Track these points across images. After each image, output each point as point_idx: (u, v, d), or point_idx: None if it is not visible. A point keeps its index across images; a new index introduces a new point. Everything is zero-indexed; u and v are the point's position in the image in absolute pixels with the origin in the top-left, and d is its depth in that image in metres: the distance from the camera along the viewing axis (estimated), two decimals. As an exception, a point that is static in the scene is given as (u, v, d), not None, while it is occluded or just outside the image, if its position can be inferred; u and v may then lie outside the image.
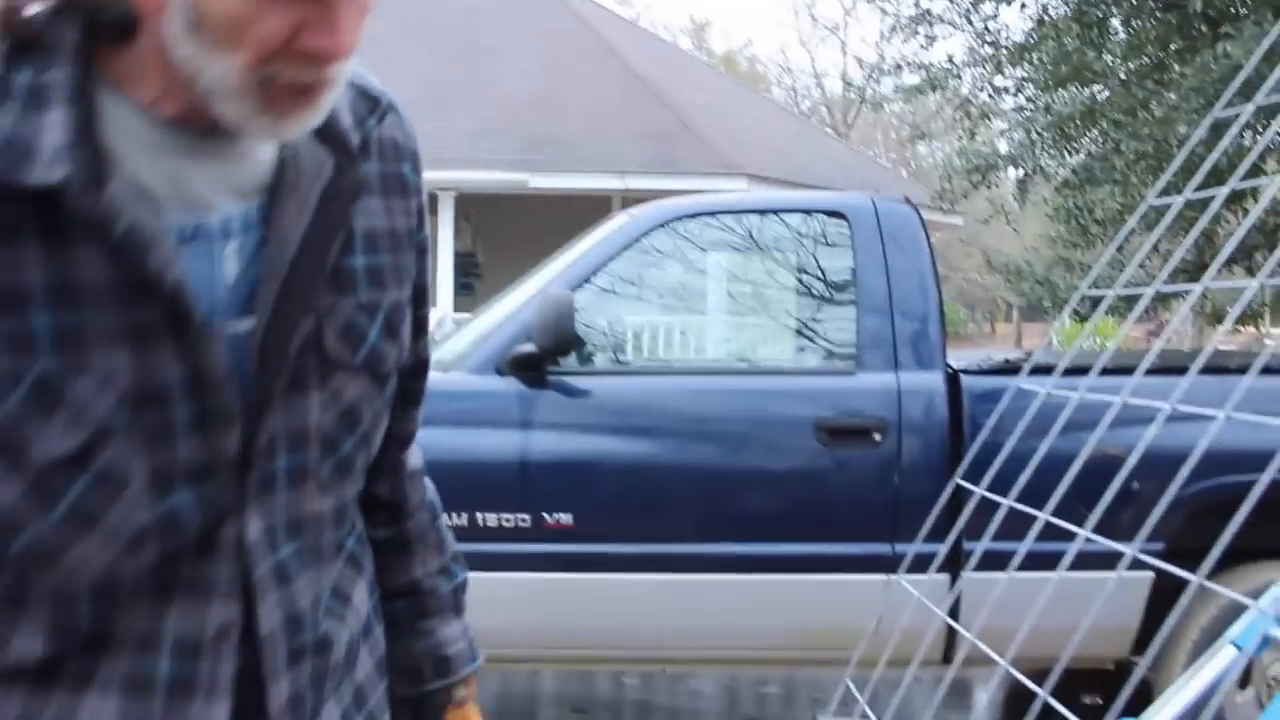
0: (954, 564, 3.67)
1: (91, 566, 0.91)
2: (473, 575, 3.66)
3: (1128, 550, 1.63)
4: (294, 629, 1.00)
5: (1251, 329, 12.62)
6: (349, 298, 1.02)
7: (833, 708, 2.34)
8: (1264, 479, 1.35)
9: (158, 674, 0.93)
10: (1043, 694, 1.53)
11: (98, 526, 0.90)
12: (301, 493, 1.00)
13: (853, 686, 2.16)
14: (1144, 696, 2.59)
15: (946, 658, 3.78)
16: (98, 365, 0.88)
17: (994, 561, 3.55)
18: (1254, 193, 7.58)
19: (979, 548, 1.95)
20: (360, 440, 1.05)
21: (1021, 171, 10.55)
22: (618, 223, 4.12)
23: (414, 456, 1.28)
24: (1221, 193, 1.89)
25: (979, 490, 2.09)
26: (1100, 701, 4.51)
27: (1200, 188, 1.88)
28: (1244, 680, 3.69)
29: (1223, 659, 2.21)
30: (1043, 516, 1.94)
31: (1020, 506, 1.97)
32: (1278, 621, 2.19)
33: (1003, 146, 10.97)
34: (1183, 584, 3.59)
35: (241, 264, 0.96)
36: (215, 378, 0.92)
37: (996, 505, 1.95)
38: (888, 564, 3.64)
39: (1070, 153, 10.07)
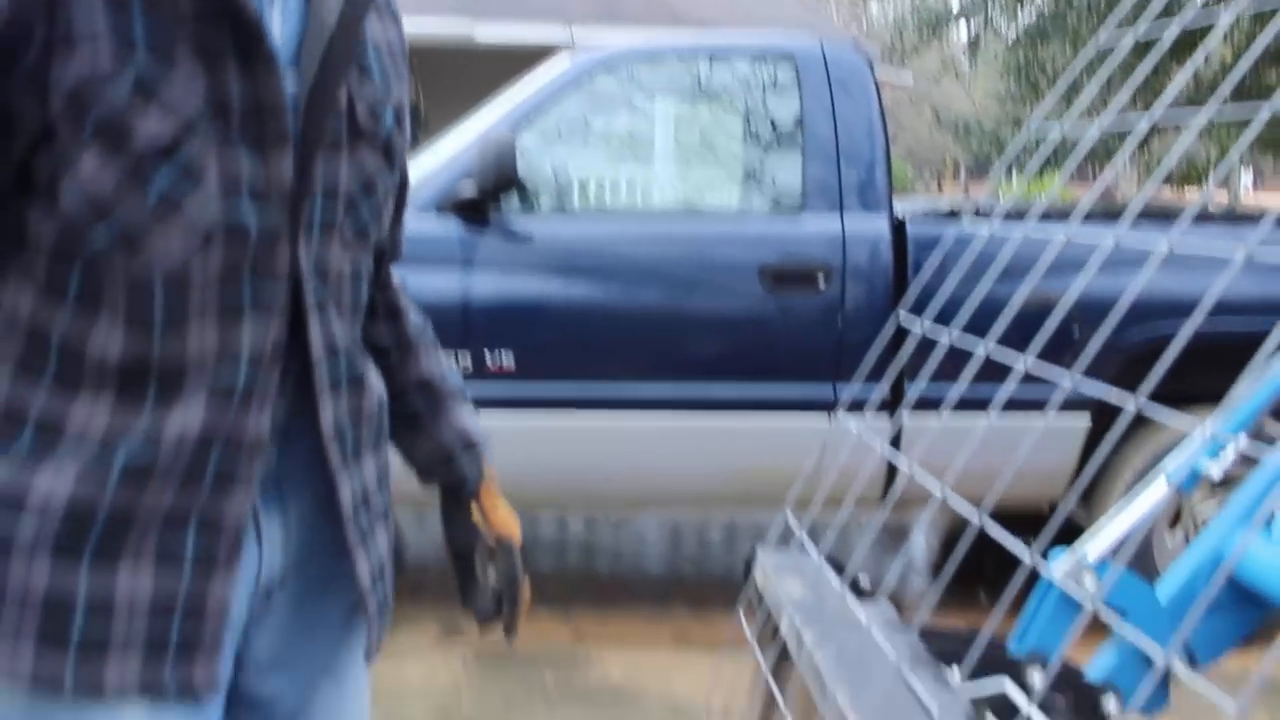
0: (894, 405, 3.70)
1: (168, 257, 1.02)
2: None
3: (1065, 382, 1.63)
4: (332, 355, 1.13)
5: (1196, 190, 12.68)
6: (370, 84, 1.15)
7: (771, 541, 2.35)
8: (1188, 327, 1.34)
9: (238, 383, 1.06)
10: (979, 516, 1.53)
11: (178, 215, 1.01)
12: (328, 243, 1.12)
13: (792, 518, 2.17)
14: (1076, 536, 2.63)
15: (884, 499, 3.83)
16: (182, 71, 1.00)
17: (933, 404, 3.60)
18: (1203, 34, 7.53)
19: (918, 386, 1.94)
20: (375, 211, 1.17)
21: (973, 29, 10.44)
22: (559, 65, 4.04)
23: (396, 275, 1.39)
24: (1170, 30, 1.86)
25: (920, 322, 2.08)
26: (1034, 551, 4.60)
27: (1150, 36, 1.84)
28: (1174, 521, 3.77)
29: (1156, 492, 2.24)
30: (983, 350, 1.93)
31: (962, 335, 1.97)
32: (1210, 454, 2.23)
33: (954, 3, 10.83)
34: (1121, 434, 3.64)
35: (283, 29, 1.08)
36: (274, 100, 1.04)
37: (937, 348, 1.95)
38: (830, 406, 3.68)
39: (1022, 7, 9.96)
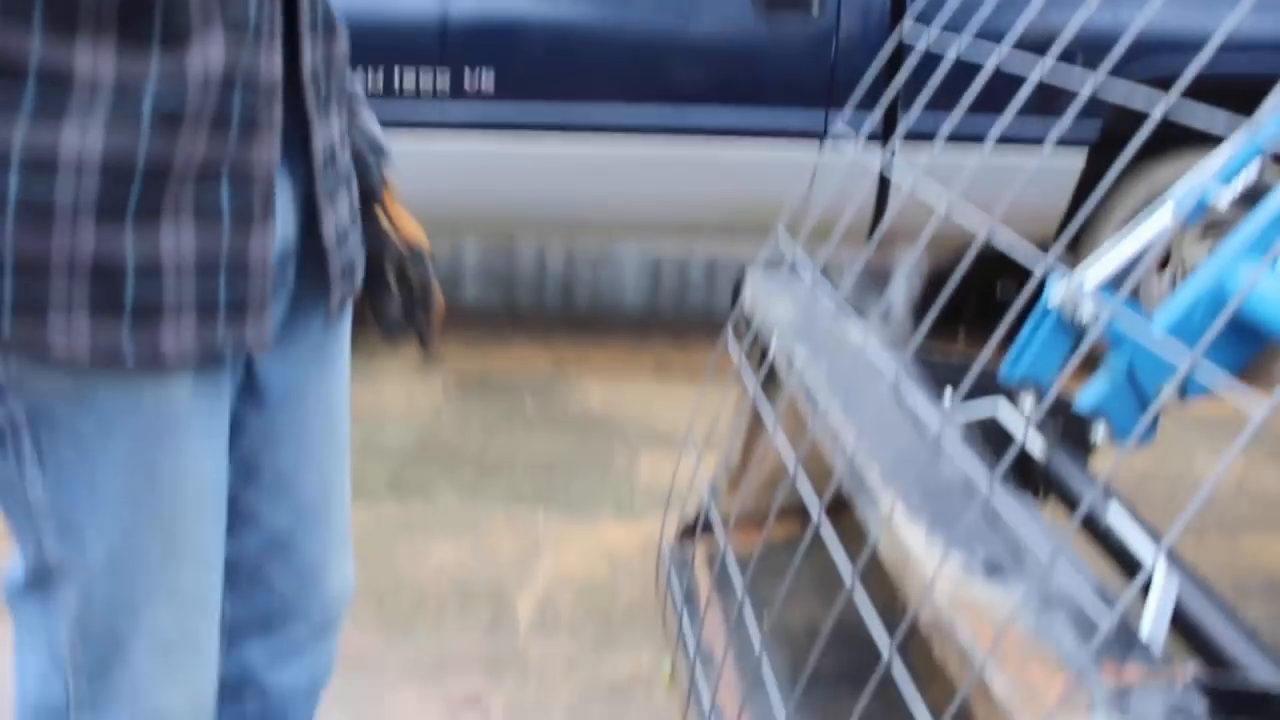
0: (887, 136, 3.60)
1: None
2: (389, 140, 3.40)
3: (1085, 90, 1.54)
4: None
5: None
6: None
7: (761, 262, 2.30)
8: (1197, 62, 1.26)
9: (249, 16, 1.01)
10: (984, 233, 1.47)
11: None
12: None
13: (785, 237, 2.11)
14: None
15: (873, 235, 3.78)
16: None
17: (927, 136, 3.50)
18: None
19: (916, 108, 1.87)
20: None
21: None
22: None
23: None
24: None
25: (927, 32, 1.98)
26: (1015, 294, 4.59)
27: None
28: (1162, 264, 3.74)
29: (1159, 219, 2.18)
30: (994, 59, 1.84)
31: (971, 42, 1.87)
32: (1221, 181, 2.16)
33: None
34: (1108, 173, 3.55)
35: None
36: None
37: (938, 70, 1.85)
38: (821, 135, 3.57)
39: None
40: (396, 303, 1.34)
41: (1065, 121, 1.54)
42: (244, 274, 1.04)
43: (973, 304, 4.24)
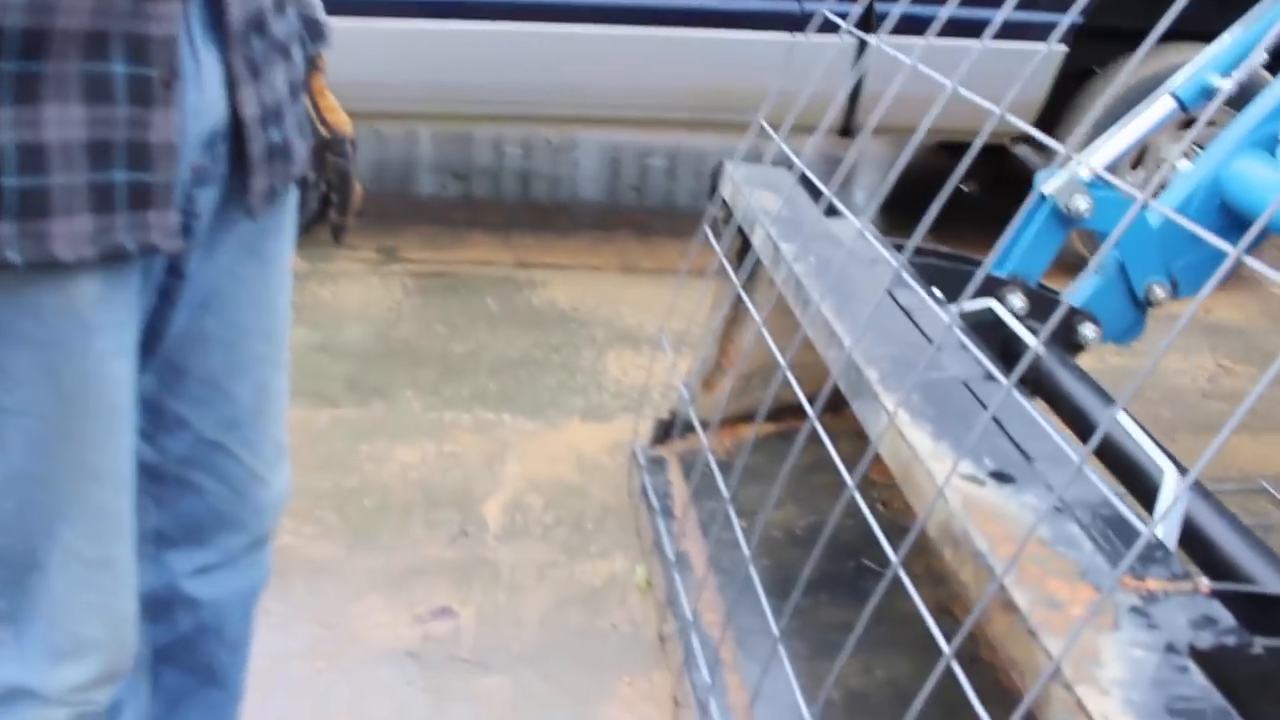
0: (866, 28, 3.49)
1: None
2: (347, 24, 3.31)
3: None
4: None
5: None
6: None
7: (740, 155, 2.20)
8: None
9: None
10: (995, 117, 1.38)
11: None
12: None
13: (767, 126, 2.01)
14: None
15: (847, 130, 3.68)
16: None
17: (909, 27, 3.39)
18: None
19: (894, 9, 1.79)
20: None
21: None
22: None
23: None
24: None
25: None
26: (976, 190, 4.51)
27: None
28: (1136, 161, 3.67)
29: (1160, 108, 2.11)
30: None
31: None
32: (1221, 72, 2.08)
33: None
34: (1085, 69, 3.51)
35: None
36: None
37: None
38: (795, 23, 3.45)
39: None
40: (314, 191, 1.26)
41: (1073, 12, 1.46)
42: (145, 159, 0.92)
43: (950, 199, 4.17)
